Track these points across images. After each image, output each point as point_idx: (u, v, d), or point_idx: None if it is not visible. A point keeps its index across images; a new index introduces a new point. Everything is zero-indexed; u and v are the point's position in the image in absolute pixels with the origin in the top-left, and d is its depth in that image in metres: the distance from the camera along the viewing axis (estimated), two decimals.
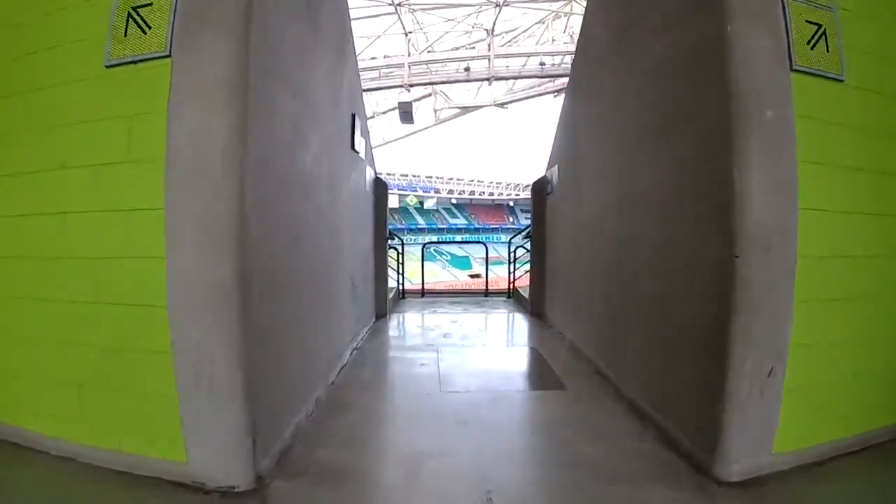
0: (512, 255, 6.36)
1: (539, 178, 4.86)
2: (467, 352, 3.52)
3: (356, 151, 3.55)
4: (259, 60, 1.76)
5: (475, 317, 4.94)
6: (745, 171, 1.69)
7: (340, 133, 3.12)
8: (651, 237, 2.33)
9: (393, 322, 4.68)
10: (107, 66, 1.83)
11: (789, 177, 1.76)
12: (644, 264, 2.40)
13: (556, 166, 4.21)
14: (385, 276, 4.87)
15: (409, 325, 4.60)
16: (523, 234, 5.52)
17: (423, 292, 6.53)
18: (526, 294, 5.51)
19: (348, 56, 3.45)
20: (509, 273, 6.38)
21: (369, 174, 4.30)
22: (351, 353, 3.35)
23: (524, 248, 6.02)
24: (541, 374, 3.04)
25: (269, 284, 1.85)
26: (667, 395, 2.15)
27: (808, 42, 1.86)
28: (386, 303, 4.84)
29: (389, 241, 5.18)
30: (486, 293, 6.57)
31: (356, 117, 3.50)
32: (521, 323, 4.71)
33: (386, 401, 2.58)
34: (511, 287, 6.30)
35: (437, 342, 3.77)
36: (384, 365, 3.24)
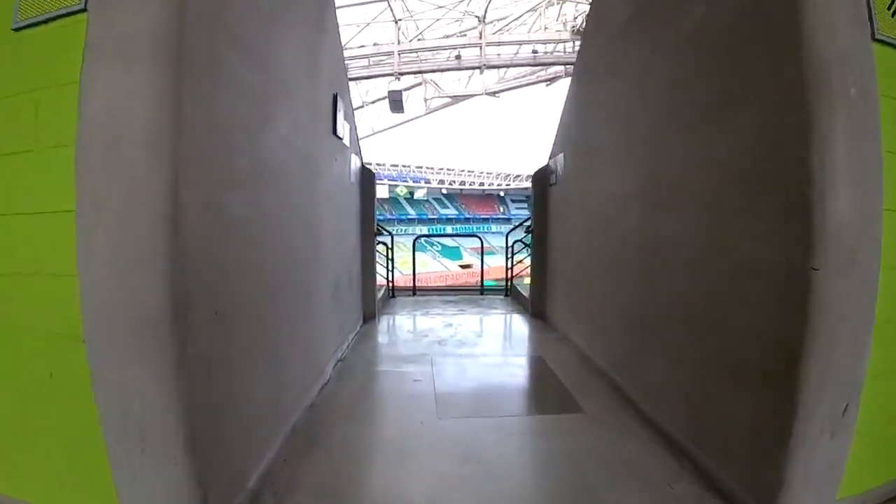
0: (510, 249, 5.93)
1: (541, 168, 4.47)
2: (465, 363, 3.15)
3: (339, 137, 3.14)
4: (205, 15, 1.36)
5: (472, 319, 4.57)
6: (829, 161, 1.33)
7: (319, 115, 2.71)
8: (688, 238, 1.98)
9: (382, 326, 4.30)
10: (14, 30, 1.45)
11: (874, 170, 1.42)
12: (678, 270, 2.05)
13: (562, 154, 3.83)
14: (373, 275, 4.46)
15: (399, 329, 4.22)
16: (526, 227, 5.11)
17: (414, 290, 6.11)
18: (525, 292, 5.16)
19: (329, 28, 3.02)
20: (507, 269, 5.97)
21: (355, 163, 3.88)
22: (335, 367, 2.98)
23: (522, 242, 5.65)
24: (551, 391, 2.70)
25: (222, 302, 1.47)
26: (706, 427, 1.82)
27: (889, 7, 1.52)
28: (374, 304, 4.44)
29: (378, 237, 4.77)
30: (482, 291, 6.17)
31: (339, 98, 3.08)
32: (521, 326, 4.35)
33: (373, 430, 2.20)
34: (509, 284, 5.92)
35: (432, 351, 3.41)
36: (372, 381, 2.86)
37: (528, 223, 5.18)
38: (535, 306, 4.56)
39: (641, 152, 2.42)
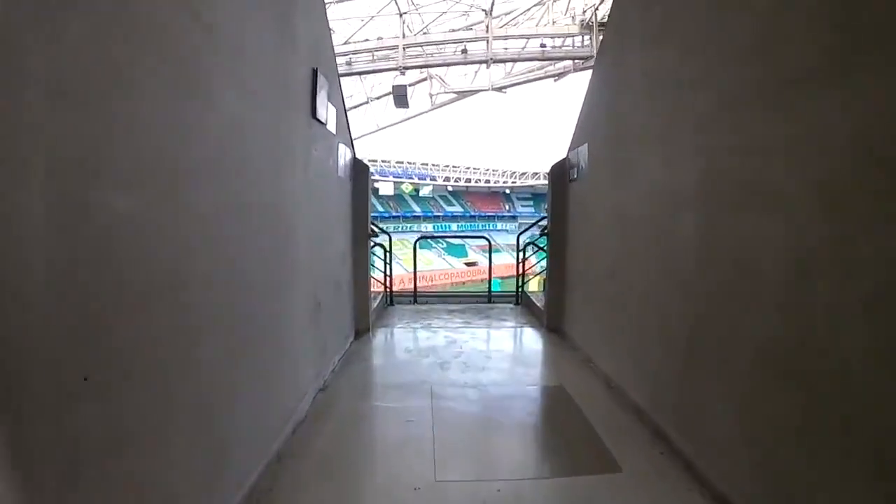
0: (521, 253, 5.33)
1: (559, 162, 3.91)
2: (471, 395, 2.62)
3: (320, 121, 2.61)
4: None
5: (479, 334, 4.00)
6: None
7: (291, 93, 2.19)
8: (777, 250, 1.43)
9: (376, 342, 3.75)
10: None
11: None
12: (758, 292, 1.51)
13: (585, 145, 3.28)
14: (367, 283, 3.92)
15: (396, 348, 3.67)
16: (541, 228, 4.54)
17: (415, 297, 5.51)
18: (538, 301, 4.61)
19: None
20: (518, 275, 5.39)
21: (345, 155, 3.36)
22: (314, 398, 2.46)
23: (536, 244, 5.10)
24: (579, 437, 2.16)
25: (98, 359, 0.95)
26: None
27: None
28: (368, 315, 3.90)
29: (373, 238, 4.23)
30: (490, 298, 5.53)
31: (320, 75, 2.56)
32: (536, 343, 3.80)
33: (352, 500, 1.68)
34: (520, 291, 5.33)
35: (432, 378, 2.87)
36: (356, 421, 2.33)
37: (542, 223, 4.64)
38: (551, 319, 4.01)
39: (699, 137, 1.88)
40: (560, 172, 3.89)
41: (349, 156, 3.51)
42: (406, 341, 3.78)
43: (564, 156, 3.86)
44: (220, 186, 1.47)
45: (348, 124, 3.54)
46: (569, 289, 3.80)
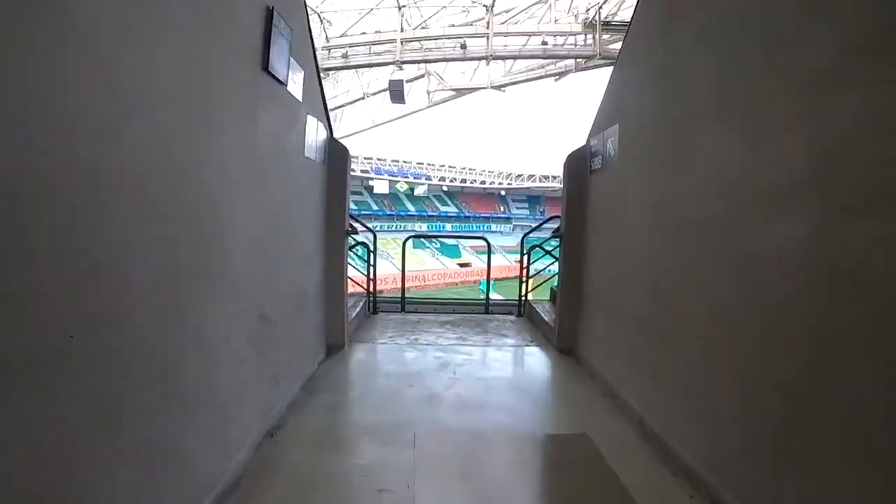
0: (525, 257, 4.67)
1: (577, 150, 3.27)
2: (469, 449, 1.96)
3: (277, 79, 1.97)
4: None
5: (476, 353, 3.34)
6: None
7: (223, 26, 1.53)
8: None
9: (352, 363, 3.07)
10: None
11: None
12: None
13: (616, 127, 2.64)
14: (343, 289, 3.25)
15: (374, 371, 3.00)
16: (553, 230, 3.90)
17: (402, 304, 4.80)
18: (544, 313, 3.98)
19: None
20: (522, 281, 4.75)
21: (316, 131, 2.70)
22: (257, 447, 1.83)
23: (542, 248, 4.47)
24: None
25: None
26: None
27: None
28: (344, 328, 3.25)
29: (353, 236, 3.58)
30: (488, 308, 4.88)
31: (278, 16, 1.91)
32: (546, 369, 3.14)
33: None
34: (523, 300, 4.67)
35: (416, 417, 2.21)
36: (308, 491, 1.65)
37: (547, 224, 4.03)
38: (563, 338, 3.36)
39: (807, 102, 1.28)
40: (578, 162, 3.24)
41: (323, 134, 2.86)
42: (388, 362, 3.11)
43: (585, 142, 3.22)
44: (69, 145, 0.84)
45: (324, 95, 2.89)
46: (586, 303, 3.16)
